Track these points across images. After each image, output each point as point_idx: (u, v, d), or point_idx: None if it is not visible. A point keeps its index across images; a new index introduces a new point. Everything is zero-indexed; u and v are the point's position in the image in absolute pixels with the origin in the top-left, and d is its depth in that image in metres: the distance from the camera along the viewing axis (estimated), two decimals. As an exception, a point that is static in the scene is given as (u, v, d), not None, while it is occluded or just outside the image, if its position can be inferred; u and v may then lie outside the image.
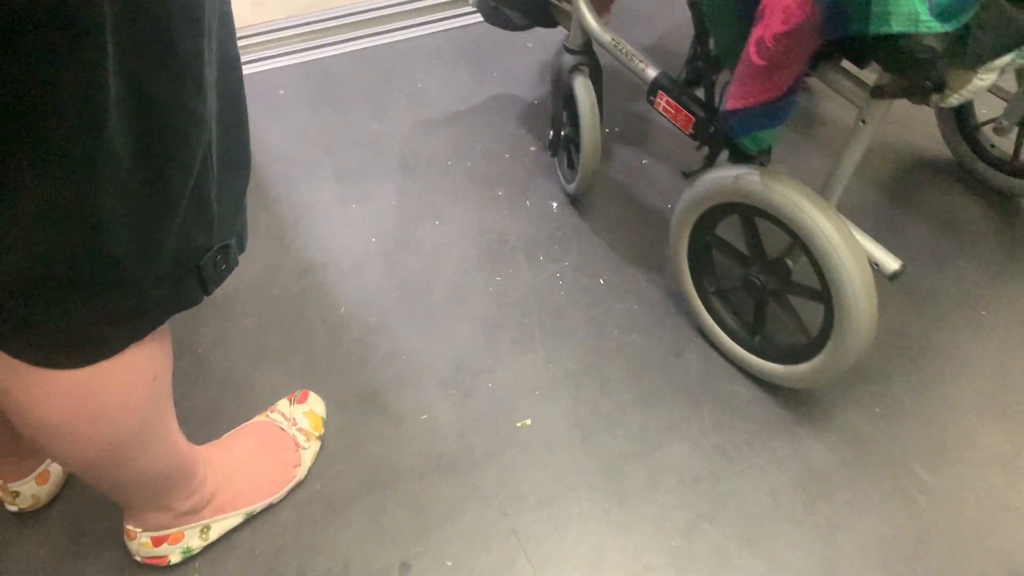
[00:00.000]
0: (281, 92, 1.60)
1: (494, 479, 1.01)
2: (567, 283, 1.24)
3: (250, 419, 1.03)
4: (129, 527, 0.89)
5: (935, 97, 0.77)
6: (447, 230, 1.32)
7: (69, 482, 1.00)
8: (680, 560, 0.94)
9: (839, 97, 0.89)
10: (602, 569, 0.93)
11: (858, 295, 0.87)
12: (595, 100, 1.21)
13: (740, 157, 0.97)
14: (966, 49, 0.70)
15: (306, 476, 1.01)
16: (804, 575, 0.92)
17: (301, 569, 0.93)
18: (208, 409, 1.08)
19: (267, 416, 1.03)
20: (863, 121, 0.86)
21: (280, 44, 1.73)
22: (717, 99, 0.99)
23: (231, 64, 0.63)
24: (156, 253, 0.59)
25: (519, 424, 1.07)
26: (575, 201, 1.36)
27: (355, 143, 1.48)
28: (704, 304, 1.12)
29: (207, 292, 0.67)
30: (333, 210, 1.36)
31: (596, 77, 1.22)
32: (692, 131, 1.04)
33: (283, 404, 1.05)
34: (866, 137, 0.88)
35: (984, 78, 0.75)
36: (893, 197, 1.35)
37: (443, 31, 1.74)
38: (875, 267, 0.90)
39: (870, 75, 0.84)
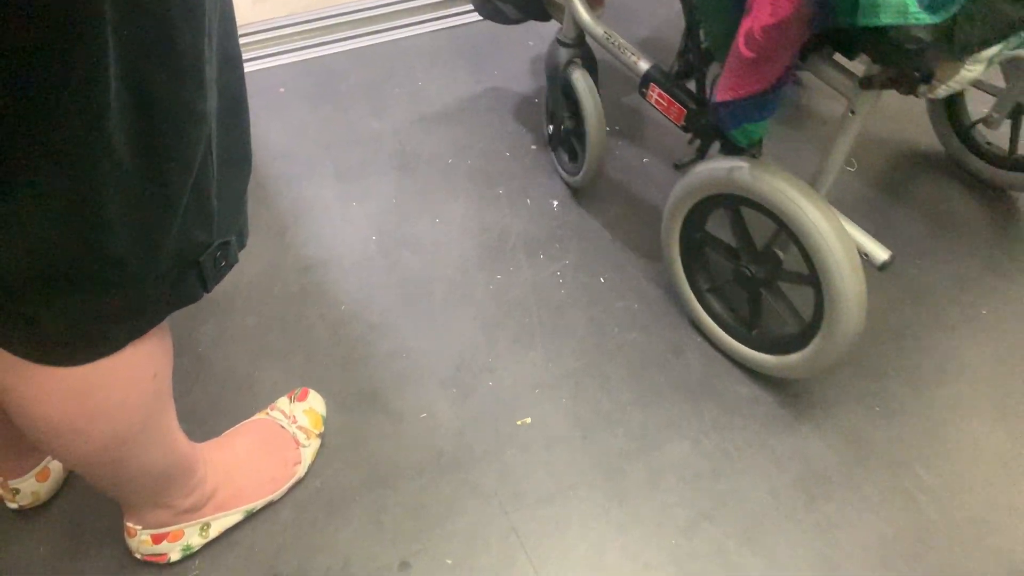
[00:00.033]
0: (281, 90, 1.60)
1: (494, 477, 1.01)
2: (567, 281, 1.24)
3: (250, 417, 1.03)
4: (129, 524, 0.89)
5: (923, 88, 0.77)
6: (447, 228, 1.32)
7: (69, 479, 1.00)
8: (680, 559, 0.94)
9: (832, 91, 0.89)
10: (602, 567, 0.93)
11: (846, 281, 0.88)
12: (595, 89, 1.21)
13: (731, 149, 0.97)
14: (953, 40, 0.71)
15: (306, 474, 1.01)
16: (804, 574, 0.92)
17: (301, 567, 0.93)
18: (208, 407, 1.08)
19: (267, 414, 1.03)
20: (852, 112, 0.87)
21: (280, 42, 1.73)
22: (708, 91, 0.99)
23: (232, 62, 0.63)
24: (156, 250, 0.59)
25: (519, 422, 1.07)
26: (576, 199, 1.36)
27: (355, 141, 1.48)
28: (696, 296, 1.13)
29: (207, 289, 0.67)
30: (333, 208, 1.36)
31: (592, 69, 1.22)
32: (684, 123, 1.05)
33: (283, 402, 1.05)
34: (855, 128, 0.88)
35: (972, 69, 0.75)
36: (887, 192, 1.35)
37: (444, 29, 1.74)
38: (865, 258, 0.91)
39: (859, 66, 0.85)
